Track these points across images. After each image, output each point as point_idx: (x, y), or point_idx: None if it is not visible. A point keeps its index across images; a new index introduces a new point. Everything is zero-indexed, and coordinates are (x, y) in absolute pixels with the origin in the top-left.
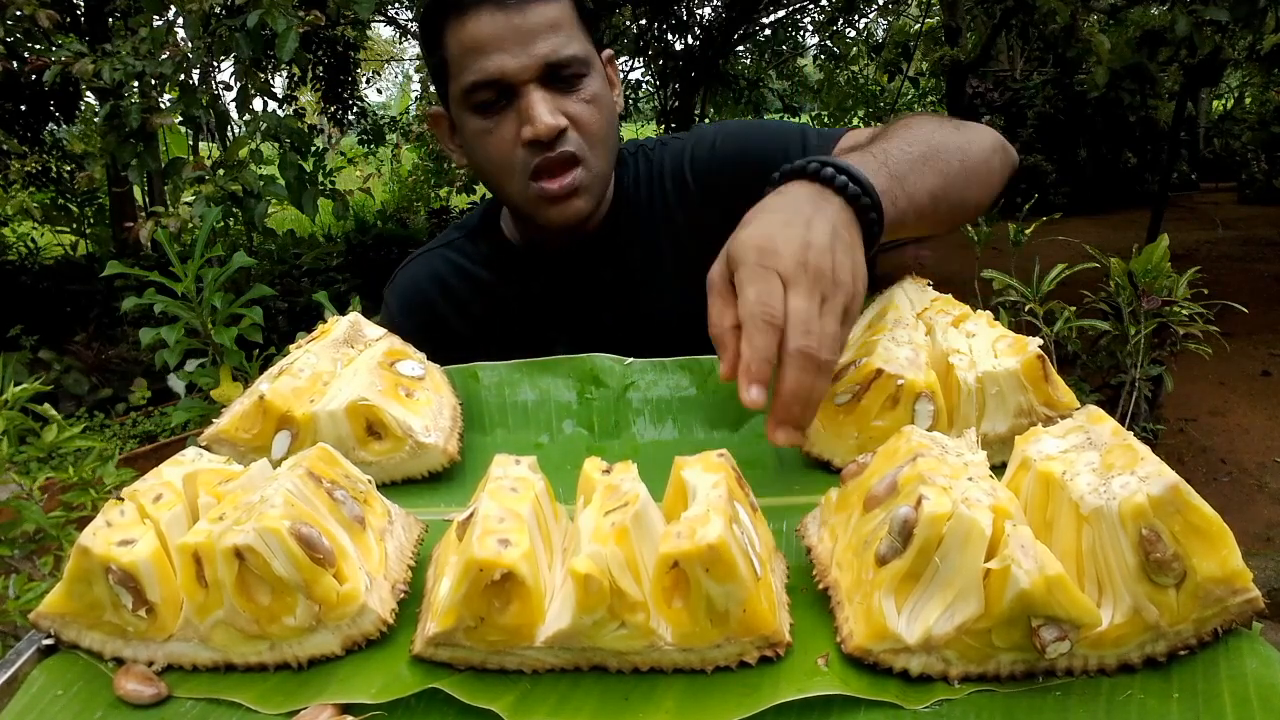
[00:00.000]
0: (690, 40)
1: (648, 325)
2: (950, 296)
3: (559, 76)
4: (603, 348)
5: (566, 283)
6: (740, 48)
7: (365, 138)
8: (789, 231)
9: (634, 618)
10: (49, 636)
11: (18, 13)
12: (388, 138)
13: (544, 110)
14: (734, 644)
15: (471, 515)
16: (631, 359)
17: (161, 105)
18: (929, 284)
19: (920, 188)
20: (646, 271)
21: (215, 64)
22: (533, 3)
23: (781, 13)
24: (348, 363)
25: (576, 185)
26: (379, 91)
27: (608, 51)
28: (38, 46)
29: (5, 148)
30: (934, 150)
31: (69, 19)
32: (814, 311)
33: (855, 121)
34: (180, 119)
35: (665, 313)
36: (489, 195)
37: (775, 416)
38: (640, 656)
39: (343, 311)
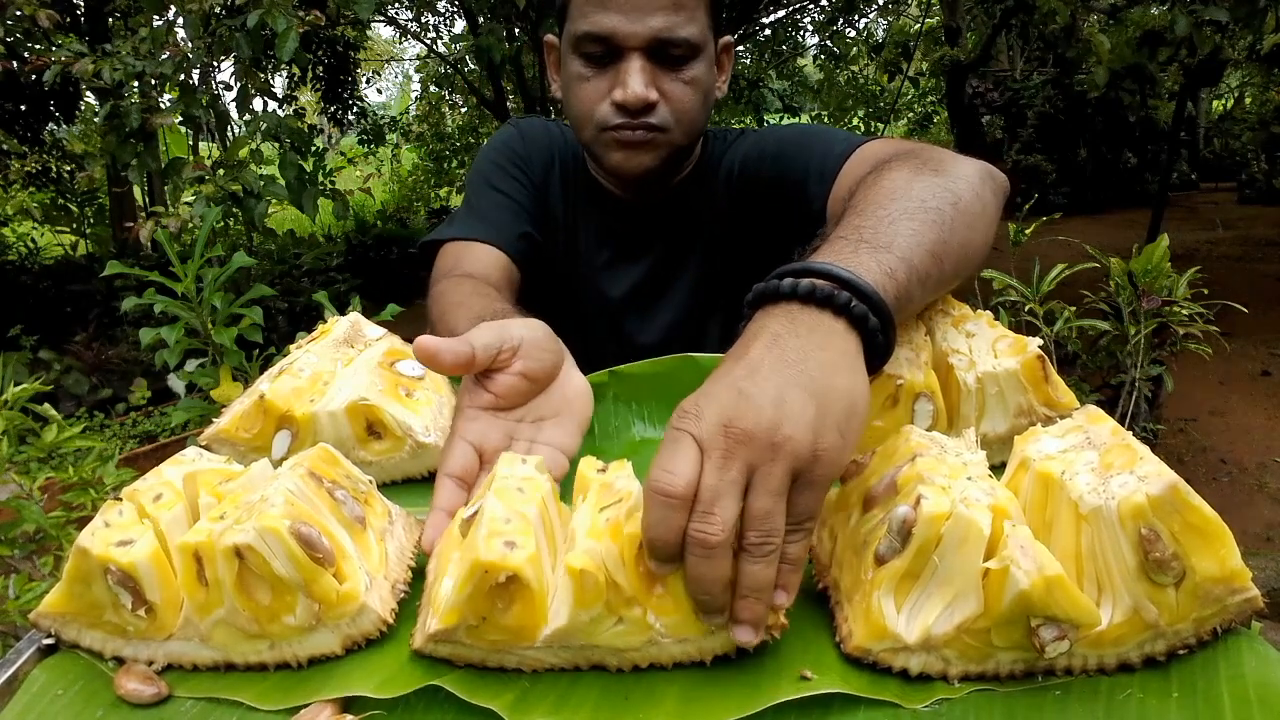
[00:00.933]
0: None
1: (662, 307)
2: (950, 296)
3: (666, 54)
4: (619, 312)
5: (620, 231)
6: (740, 48)
7: (365, 138)
8: (722, 384)
9: (631, 612)
10: (49, 636)
11: (18, 13)
12: (388, 138)
13: (639, 81)
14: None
15: (476, 514)
16: (625, 363)
17: (161, 105)
18: None
19: (918, 251)
20: (681, 254)
21: (215, 64)
22: None
23: (781, 13)
24: (348, 362)
25: (650, 139)
26: (379, 91)
27: (726, 38)
28: (38, 46)
29: (5, 148)
30: (920, 203)
31: (69, 19)
32: (723, 489)
33: (855, 121)
34: (180, 119)
35: (677, 301)
36: None
37: (699, 609)
38: (639, 653)
39: (343, 311)
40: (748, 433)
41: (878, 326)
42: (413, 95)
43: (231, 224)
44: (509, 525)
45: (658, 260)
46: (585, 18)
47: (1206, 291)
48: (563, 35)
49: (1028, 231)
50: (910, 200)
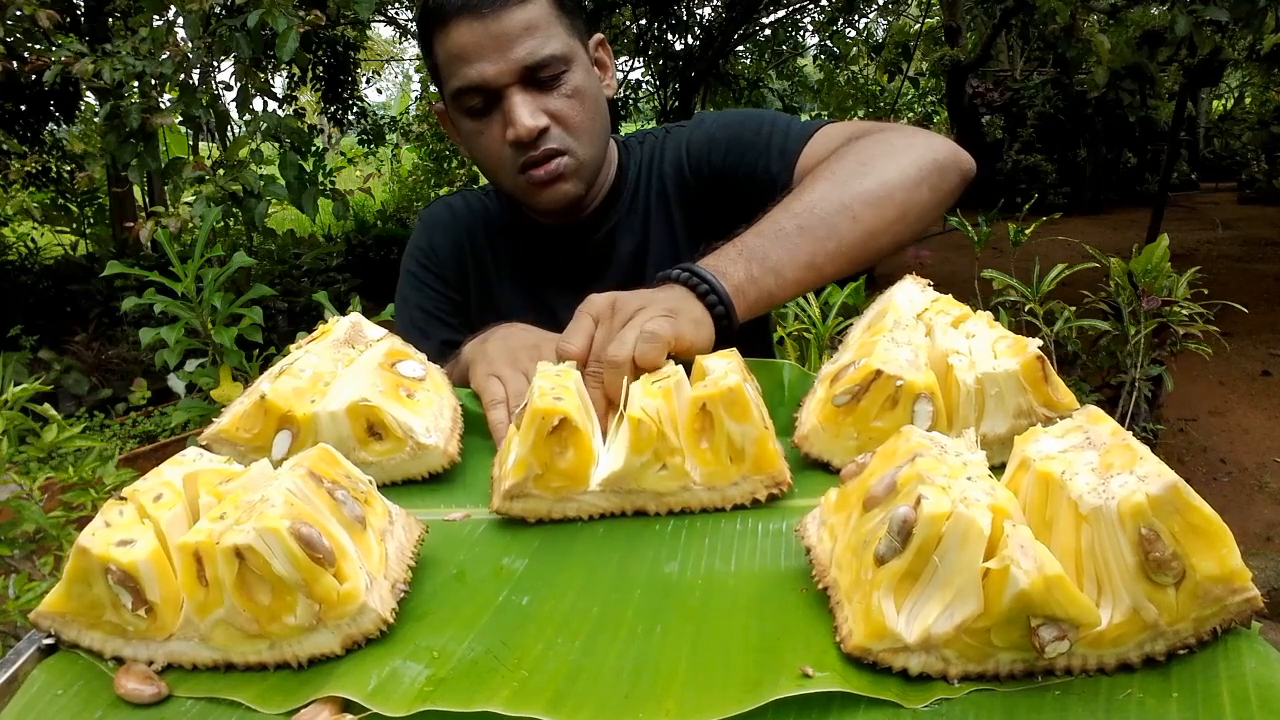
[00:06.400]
0: (690, 40)
1: None
2: (950, 297)
3: (538, 78)
4: None
5: (560, 255)
6: (740, 48)
7: (365, 138)
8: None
9: (673, 460)
10: (49, 636)
11: (18, 13)
12: (388, 138)
13: (524, 113)
14: (748, 482)
15: (527, 403)
16: None
17: (161, 105)
18: (929, 284)
19: (790, 268)
20: (636, 254)
21: (215, 64)
22: (507, 9)
23: (781, 13)
24: (348, 363)
25: (562, 170)
26: (379, 91)
27: (597, 36)
28: (38, 46)
29: (5, 148)
30: (818, 219)
31: (69, 19)
32: (608, 339)
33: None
34: (180, 119)
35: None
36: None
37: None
38: (674, 498)
39: (343, 311)
40: (624, 301)
41: (720, 309)
42: (413, 95)
43: (231, 224)
44: (554, 389)
45: (607, 276)
46: (455, 76)
47: (1206, 291)
48: (445, 100)
49: (1028, 231)
50: (809, 216)
